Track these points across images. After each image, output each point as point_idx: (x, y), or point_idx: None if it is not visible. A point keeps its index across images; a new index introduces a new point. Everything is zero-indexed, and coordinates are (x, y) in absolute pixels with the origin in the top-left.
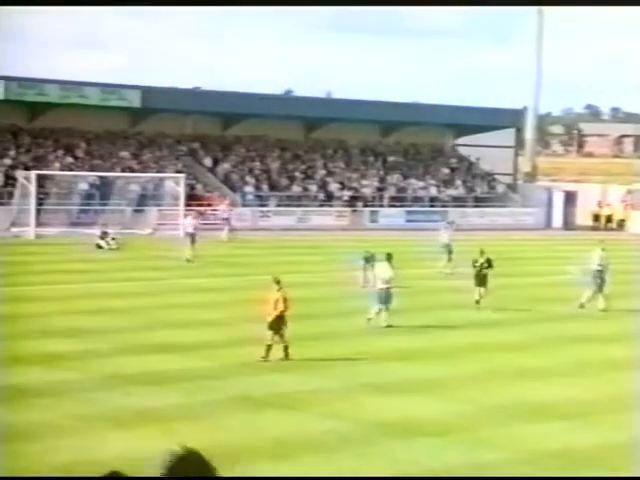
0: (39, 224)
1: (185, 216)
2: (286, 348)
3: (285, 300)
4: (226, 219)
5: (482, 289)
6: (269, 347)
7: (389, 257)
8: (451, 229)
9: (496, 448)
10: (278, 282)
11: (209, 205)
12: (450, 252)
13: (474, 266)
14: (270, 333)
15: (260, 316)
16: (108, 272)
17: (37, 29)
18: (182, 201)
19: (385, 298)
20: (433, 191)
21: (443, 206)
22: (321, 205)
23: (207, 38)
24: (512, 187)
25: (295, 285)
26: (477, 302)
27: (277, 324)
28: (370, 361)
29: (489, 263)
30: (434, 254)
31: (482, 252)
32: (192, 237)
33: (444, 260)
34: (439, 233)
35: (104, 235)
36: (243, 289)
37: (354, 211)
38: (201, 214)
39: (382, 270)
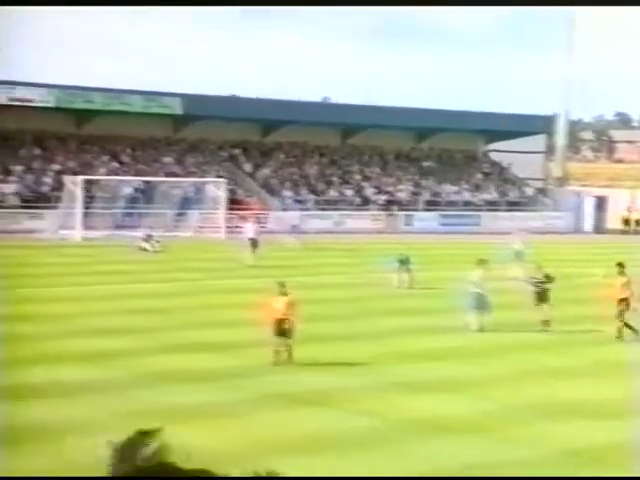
0: (85, 227)
1: (246, 221)
2: (283, 352)
3: (293, 305)
4: (295, 225)
5: (545, 306)
6: (278, 352)
7: (481, 261)
8: (524, 234)
9: (524, 446)
10: (283, 286)
11: (248, 209)
12: (522, 258)
13: (532, 282)
14: (276, 339)
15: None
16: (152, 273)
17: (84, 39)
18: (223, 205)
19: (478, 302)
20: (466, 195)
21: (476, 210)
22: (357, 209)
23: (246, 45)
24: (543, 192)
25: (331, 286)
26: (545, 323)
27: (286, 329)
28: (402, 360)
29: (548, 278)
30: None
31: (540, 267)
32: (254, 242)
33: (515, 265)
34: (509, 238)
35: (148, 238)
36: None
37: (389, 215)
38: (244, 218)
39: (473, 274)
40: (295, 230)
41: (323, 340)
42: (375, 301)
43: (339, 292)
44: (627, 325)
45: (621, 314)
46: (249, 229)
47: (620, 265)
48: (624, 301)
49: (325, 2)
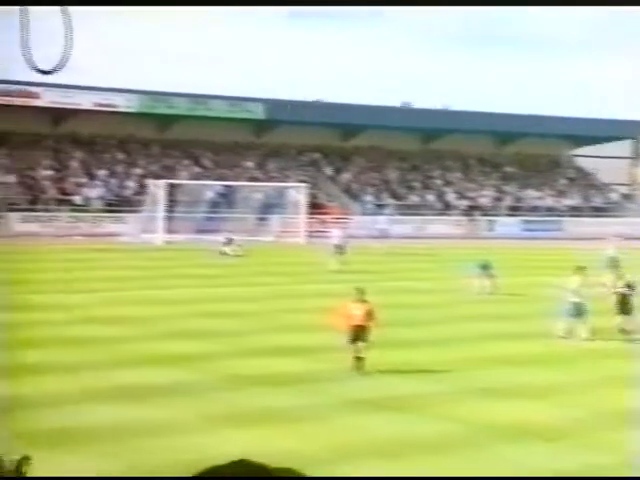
0: (167, 231)
1: (332, 227)
2: (362, 359)
3: (371, 312)
4: (382, 229)
5: (625, 317)
6: (359, 359)
7: (579, 269)
8: (618, 240)
9: (606, 452)
10: (362, 292)
11: (328, 213)
12: (616, 265)
13: (614, 292)
14: (354, 344)
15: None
16: (233, 277)
17: (166, 45)
18: (304, 209)
19: (576, 311)
20: (549, 201)
21: (559, 216)
22: (439, 214)
23: (325, 51)
24: (629, 197)
25: (412, 292)
26: (625, 331)
27: (362, 336)
28: (484, 366)
29: (631, 287)
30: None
31: (621, 275)
32: (340, 248)
33: (609, 272)
34: (602, 244)
35: (228, 241)
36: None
37: (471, 220)
38: (326, 223)
39: (571, 281)
40: (382, 234)
41: (405, 345)
42: (456, 307)
43: (420, 297)
44: None
45: None
46: (335, 235)
47: None
48: None
49: (347, 2)
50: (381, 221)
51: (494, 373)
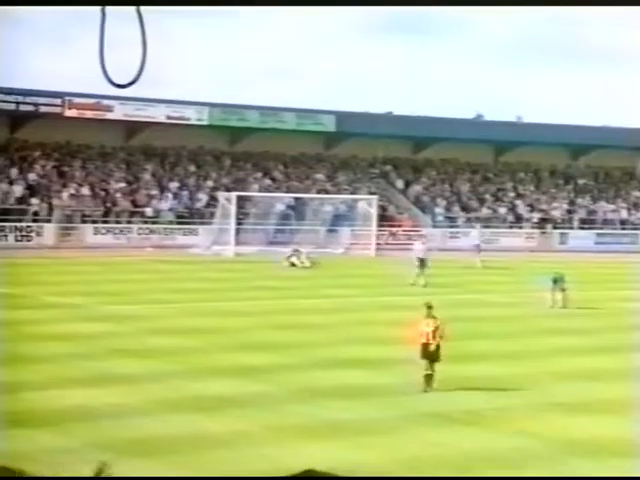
0: (238, 243)
1: (414, 240)
2: (431, 376)
3: (440, 329)
4: (477, 245)
5: None
6: (429, 377)
7: None
8: None
9: None
10: (430, 307)
11: (400, 226)
12: None
13: None
14: (425, 362)
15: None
16: (304, 289)
17: (237, 58)
18: (374, 222)
19: None
20: (623, 214)
21: (634, 229)
22: (510, 227)
23: (396, 63)
24: None
25: (484, 305)
26: None
27: (432, 353)
28: (558, 380)
29: None
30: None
31: None
32: (422, 262)
33: None
34: None
35: (296, 253)
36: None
37: (543, 233)
38: (393, 234)
39: None
40: (477, 249)
41: (477, 359)
42: (529, 320)
43: (493, 310)
44: None
45: None
46: (418, 248)
47: None
48: None
49: (338, 2)
50: (474, 236)
51: (568, 387)
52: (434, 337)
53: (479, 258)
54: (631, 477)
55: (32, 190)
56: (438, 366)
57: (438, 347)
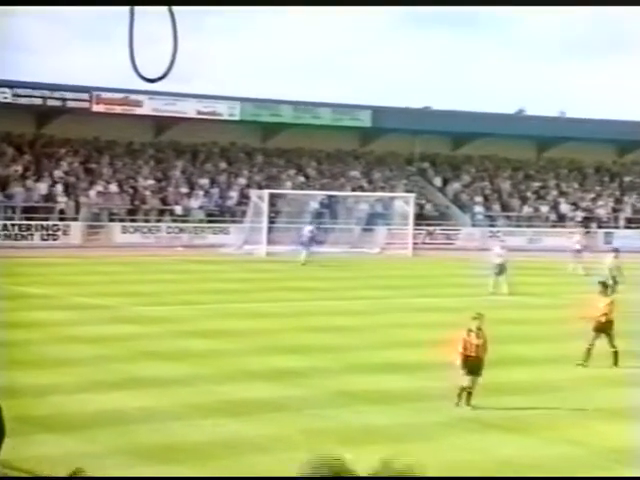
0: (270, 242)
1: (492, 244)
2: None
3: (486, 344)
4: (579, 250)
5: None
6: (468, 393)
7: None
8: None
9: None
10: (481, 320)
11: (438, 225)
12: None
13: None
14: (469, 378)
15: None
16: (338, 290)
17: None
18: (411, 221)
19: None
20: None
21: None
22: (553, 226)
23: (434, 57)
24: None
25: (527, 307)
26: None
27: (477, 368)
28: (604, 385)
29: None
30: None
31: None
32: (501, 268)
33: None
34: None
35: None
36: (470, 309)
37: (587, 232)
38: (431, 234)
39: None
40: (578, 253)
41: (520, 363)
42: (575, 323)
43: (537, 313)
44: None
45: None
46: (496, 253)
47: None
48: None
49: (336, 2)
50: (575, 240)
51: (612, 393)
52: (481, 352)
53: (579, 263)
54: (631, 477)
55: (58, 187)
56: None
57: (483, 363)
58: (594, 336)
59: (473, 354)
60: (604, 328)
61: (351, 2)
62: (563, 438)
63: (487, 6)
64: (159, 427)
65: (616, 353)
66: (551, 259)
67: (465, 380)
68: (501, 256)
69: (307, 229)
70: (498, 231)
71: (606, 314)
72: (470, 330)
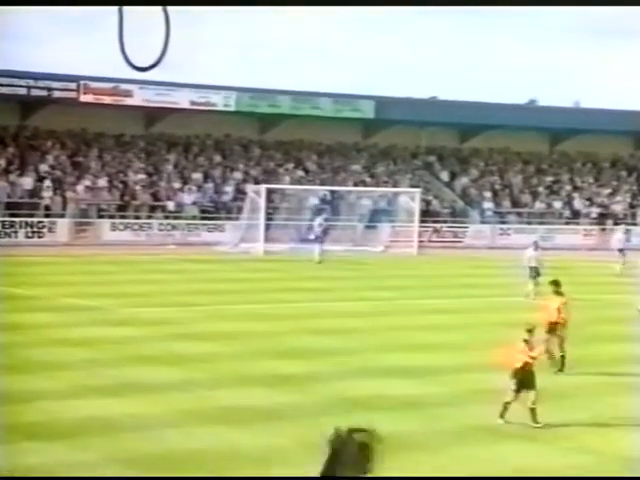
0: (268, 240)
1: (526, 247)
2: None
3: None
4: (621, 248)
5: None
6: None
7: None
8: None
9: None
10: (532, 330)
11: (444, 222)
12: None
13: None
14: (514, 391)
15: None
16: (339, 290)
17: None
18: (417, 217)
19: None
20: None
21: None
22: (567, 223)
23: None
24: None
25: (535, 309)
26: None
27: (531, 380)
28: (622, 393)
29: None
30: None
31: None
32: (536, 271)
33: None
34: None
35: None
36: (479, 311)
37: (603, 230)
38: (437, 231)
39: None
40: (621, 253)
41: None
42: (589, 326)
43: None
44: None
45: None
46: (530, 255)
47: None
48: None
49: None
50: (618, 238)
51: (634, 401)
52: (528, 358)
53: (620, 263)
54: (631, 477)
55: (44, 182)
56: (486, 375)
57: (534, 372)
58: (547, 338)
59: (526, 367)
60: (555, 329)
61: (351, 2)
62: (577, 447)
63: (487, 6)
64: (152, 435)
65: (563, 358)
66: (564, 258)
67: (510, 394)
68: (535, 259)
69: (318, 222)
70: (508, 228)
71: (559, 315)
72: (525, 340)
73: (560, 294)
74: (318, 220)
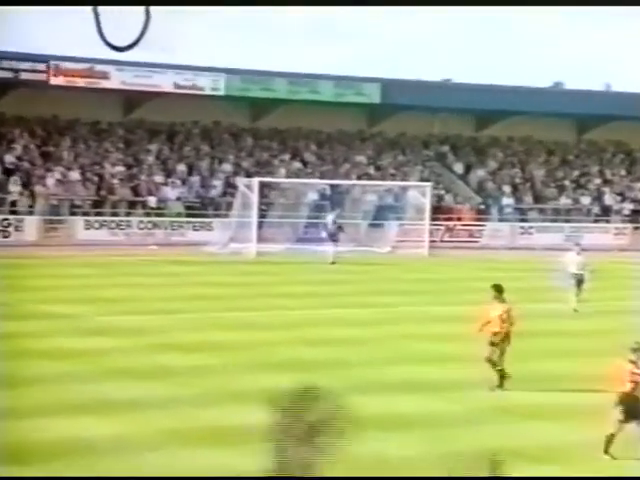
0: (261, 240)
1: (568, 249)
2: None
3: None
4: None
5: None
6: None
7: None
8: None
9: None
10: (637, 350)
11: (459, 219)
12: None
13: None
14: (620, 422)
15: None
16: (342, 296)
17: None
18: (428, 214)
19: None
20: None
21: None
22: (596, 221)
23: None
24: None
25: (559, 316)
26: None
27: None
28: None
29: None
30: None
31: None
32: (579, 280)
33: None
34: None
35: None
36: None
37: (637, 228)
38: (450, 229)
39: None
40: None
41: (550, 381)
42: (621, 335)
43: (579, 323)
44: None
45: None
46: (572, 261)
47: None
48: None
49: (327, 2)
50: None
51: None
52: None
53: None
54: (631, 477)
55: (10, 175)
56: (507, 391)
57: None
58: (491, 351)
59: (634, 391)
60: (498, 341)
61: (351, 2)
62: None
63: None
64: (129, 458)
65: (501, 372)
66: (594, 260)
67: (615, 424)
68: (578, 265)
69: (330, 218)
70: (530, 227)
71: (502, 324)
72: (632, 362)
73: (502, 300)
74: (330, 217)
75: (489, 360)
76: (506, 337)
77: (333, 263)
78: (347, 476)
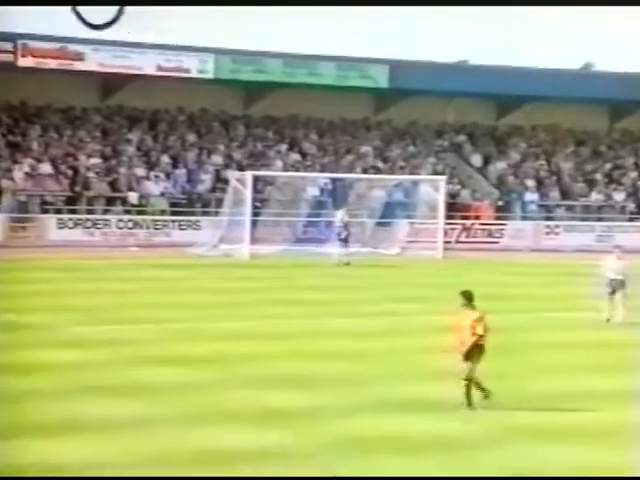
0: (255, 240)
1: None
2: None
3: None
4: None
5: None
6: None
7: None
8: None
9: None
10: None
11: (477, 217)
12: None
13: None
14: None
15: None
16: (344, 304)
17: None
18: (441, 212)
19: None
20: None
21: None
22: (630, 219)
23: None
24: None
25: (593, 327)
26: None
27: None
28: None
29: None
30: None
31: None
32: (619, 286)
33: None
34: None
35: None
36: (522, 330)
37: None
38: (466, 229)
39: None
40: None
41: (571, 401)
42: None
43: (600, 334)
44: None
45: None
46: (611, 266)
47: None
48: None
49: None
50: None
51: None
52: None
53: None
54: (631, 477)
55: None
56: (532, 411)
57: None
58: (468, 366)
59: None
60: (472, 353)
61: (352, 2)
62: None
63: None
64: None
65: (468, 388)
66: (628, 263)
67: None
68: (617, 270)
69: (339, 216)
70: (557, 226)
71: (475, 334)
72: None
73: (472, 308)
74: (339, 214)
75: (469, 379)
76: (480, 348)
77: (348, 264)
78: (347, 476)
